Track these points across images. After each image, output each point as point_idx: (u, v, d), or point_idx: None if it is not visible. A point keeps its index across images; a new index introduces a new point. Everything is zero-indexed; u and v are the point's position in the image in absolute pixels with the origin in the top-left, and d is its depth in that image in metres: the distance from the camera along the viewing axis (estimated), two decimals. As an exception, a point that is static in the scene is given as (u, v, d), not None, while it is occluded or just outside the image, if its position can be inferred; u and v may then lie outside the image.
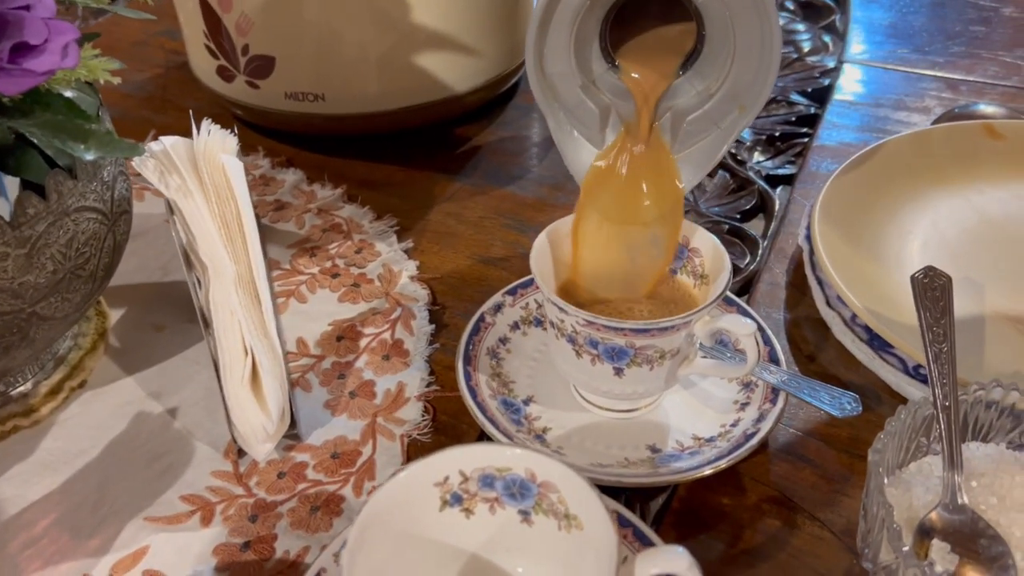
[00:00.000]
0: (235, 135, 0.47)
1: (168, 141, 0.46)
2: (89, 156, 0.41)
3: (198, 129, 0.46)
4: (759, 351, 0.45)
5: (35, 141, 0.43)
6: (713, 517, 0.46)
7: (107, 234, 0.48)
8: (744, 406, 0.49)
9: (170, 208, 0.47)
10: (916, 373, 0.49)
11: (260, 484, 0.48)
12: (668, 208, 0.48)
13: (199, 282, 0.48)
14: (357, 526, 0.35)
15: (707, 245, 0.49)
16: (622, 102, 0.48)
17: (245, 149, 0.76)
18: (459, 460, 0.38)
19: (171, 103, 0.86)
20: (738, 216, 0.66)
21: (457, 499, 0.39)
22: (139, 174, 0.45)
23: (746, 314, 0.54)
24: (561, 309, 0.45)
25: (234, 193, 0.47)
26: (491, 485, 0.38)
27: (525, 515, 0.39)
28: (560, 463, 0.37)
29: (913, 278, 0.45)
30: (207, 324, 0.47)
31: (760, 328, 0.52)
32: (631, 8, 0.46)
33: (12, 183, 0.46)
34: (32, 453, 0.50)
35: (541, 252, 0.48)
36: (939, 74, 0.85)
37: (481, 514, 0.39)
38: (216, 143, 0.46)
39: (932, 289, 0.44)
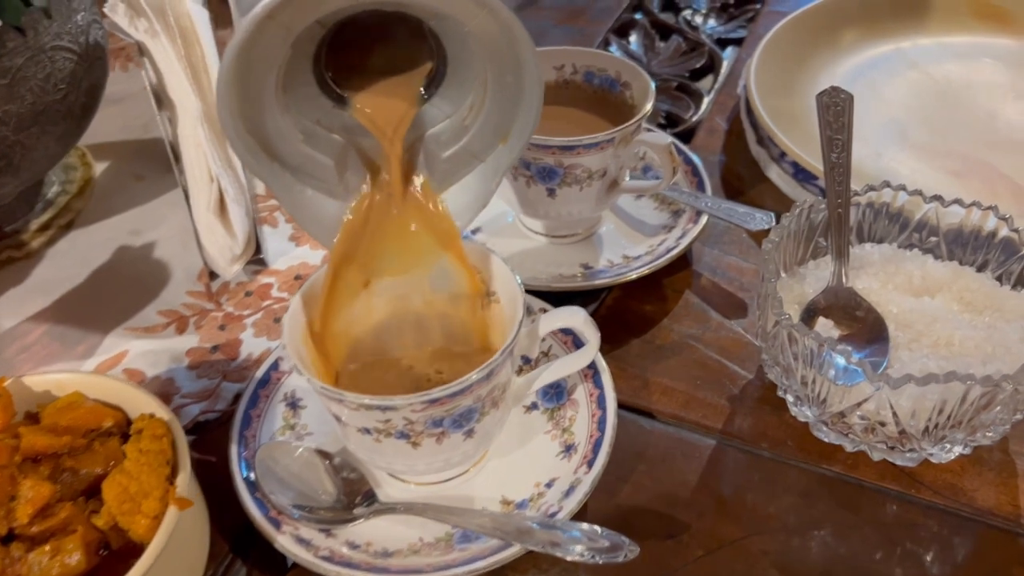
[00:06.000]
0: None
1: (135, -15, 0.50)
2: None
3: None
4: (674, 162, 0.49)
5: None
6: (636, 321, 0.50)
7: (83, 75, 0.53)
8: (670, 229, 0.54)
9: (140, 51, 0.51)
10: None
11: (229, 301, 0.53)
12: (446, 237, 0.41)
13: (169, 121, 0.52)
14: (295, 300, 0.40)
15: None
16: (359, 137, 0.40)
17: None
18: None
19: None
20: (687, 74, 0.70)
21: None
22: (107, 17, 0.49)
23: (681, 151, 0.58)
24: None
25: (200, 38, 0.51)
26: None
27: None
28: (484, 248, 0.42)
29: (817, 96, 0.48)
30: (177, 158, 0.52)
31: (676, 147, 0.53)
32: (349, 35, 0.37)
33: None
34: (25, 279, 0.55)
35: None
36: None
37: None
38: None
39: (834, 105, 0.48)
